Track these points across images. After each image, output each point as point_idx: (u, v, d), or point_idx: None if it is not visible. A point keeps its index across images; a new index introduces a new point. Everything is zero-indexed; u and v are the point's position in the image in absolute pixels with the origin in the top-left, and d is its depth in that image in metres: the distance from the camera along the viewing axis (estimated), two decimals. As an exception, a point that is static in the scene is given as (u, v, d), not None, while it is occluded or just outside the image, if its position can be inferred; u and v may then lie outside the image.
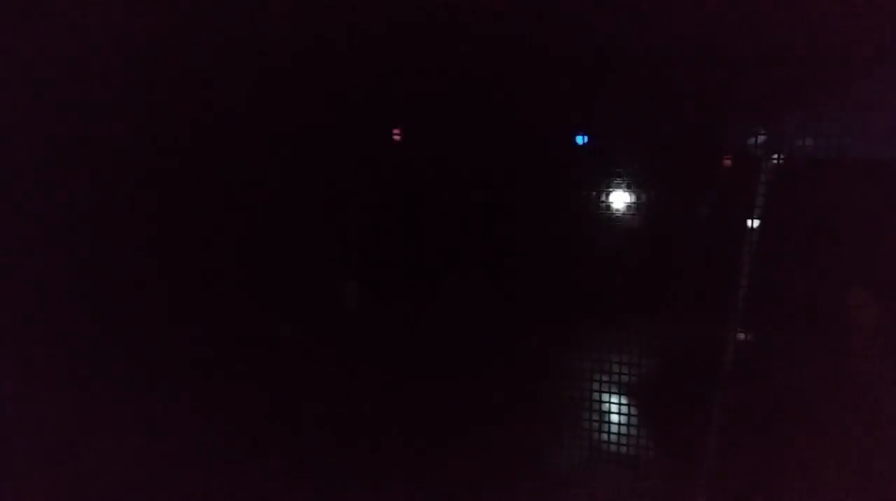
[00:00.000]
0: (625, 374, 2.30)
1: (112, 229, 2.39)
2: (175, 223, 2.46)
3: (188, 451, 2.42)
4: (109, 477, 2.39)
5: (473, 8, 2.18)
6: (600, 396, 2.33)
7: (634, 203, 2.20)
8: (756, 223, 2.09)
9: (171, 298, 2.45)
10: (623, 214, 2.21)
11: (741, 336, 2.11)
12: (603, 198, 2.22)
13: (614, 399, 2.34)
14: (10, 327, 2.33)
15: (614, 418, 2.33)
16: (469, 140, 2.40)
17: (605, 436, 2.33)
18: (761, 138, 2.11)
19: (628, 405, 2.33)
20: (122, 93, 2.32)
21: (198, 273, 2.49)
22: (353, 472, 2.40)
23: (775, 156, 2.09)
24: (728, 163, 2.24)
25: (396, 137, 2.54)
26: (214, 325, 2.48)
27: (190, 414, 2.44)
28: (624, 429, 2.31)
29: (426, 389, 2.48)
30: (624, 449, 2.31)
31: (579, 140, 2.35)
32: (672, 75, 2.11)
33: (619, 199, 2.21)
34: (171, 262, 2.45)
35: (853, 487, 1.81)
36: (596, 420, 2.34)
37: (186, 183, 2.45)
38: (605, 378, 2.32)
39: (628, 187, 2.19)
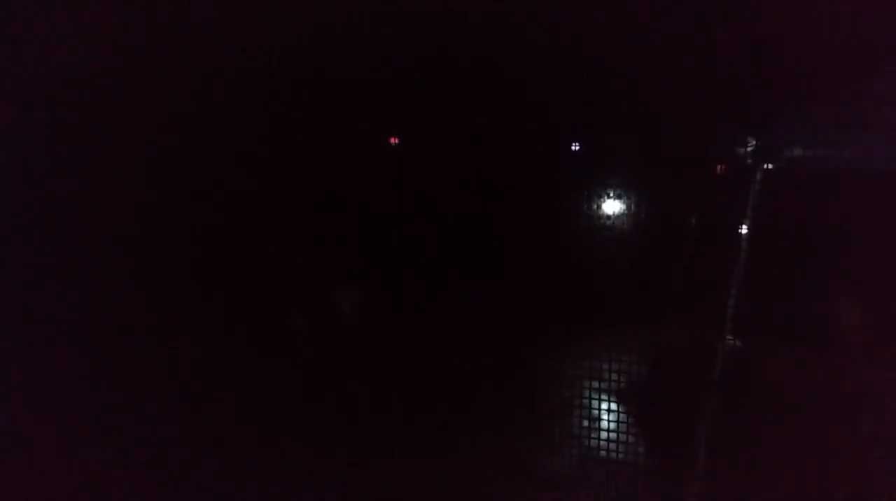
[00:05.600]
0: (617, 380, 2.32)
1: (112, 232, 2.39)
2: (174, 227, 2.46)
3: (184, 454, 2.43)
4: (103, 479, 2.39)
5: (471, 15, 2.19)
6: (599, 402, 2.36)
7: (627, 211, 2.22)
8: (747, 230, 2.11)
9: (169, 304, 2.45)
10: (616, 223, 2.23)
11: (733, 342, 2.14)
12: (596, 206, 2.24)
13: (607, 404, 2.37)
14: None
15: (608, 424, 2.36)
16: (464, 148, 2.42)
17: (599, 441, 2.35)
18: (753, 147, 2.14)
19: (623, 411, 2.36)
20: (122, 95, 2.31)
21: (196, 277, 2.49)
22: (348, 475, 2.42)
23: (766, 164, 2.11)
24: (719, 171, 2.28)
25: (394, 142, 2.55)
26: (212, 328, 2.49)
27: (186, 416, 2.45)
28: (618, 436, 2.33)
29: (421, 395, 2.51)
30: (618, 454, 2.33)
31: (573, 148, 2.36)
32: (665, 84, 2.14)
33: (613, 208, 2.23)
34: (170, 267, 2.44)
35: (842, 490, 1.84)
36: (589, 426, 2.36)
37: (184, 186, 2.45)
38: (603, 384, 2.35)
39: (622, 196, 2.21)
